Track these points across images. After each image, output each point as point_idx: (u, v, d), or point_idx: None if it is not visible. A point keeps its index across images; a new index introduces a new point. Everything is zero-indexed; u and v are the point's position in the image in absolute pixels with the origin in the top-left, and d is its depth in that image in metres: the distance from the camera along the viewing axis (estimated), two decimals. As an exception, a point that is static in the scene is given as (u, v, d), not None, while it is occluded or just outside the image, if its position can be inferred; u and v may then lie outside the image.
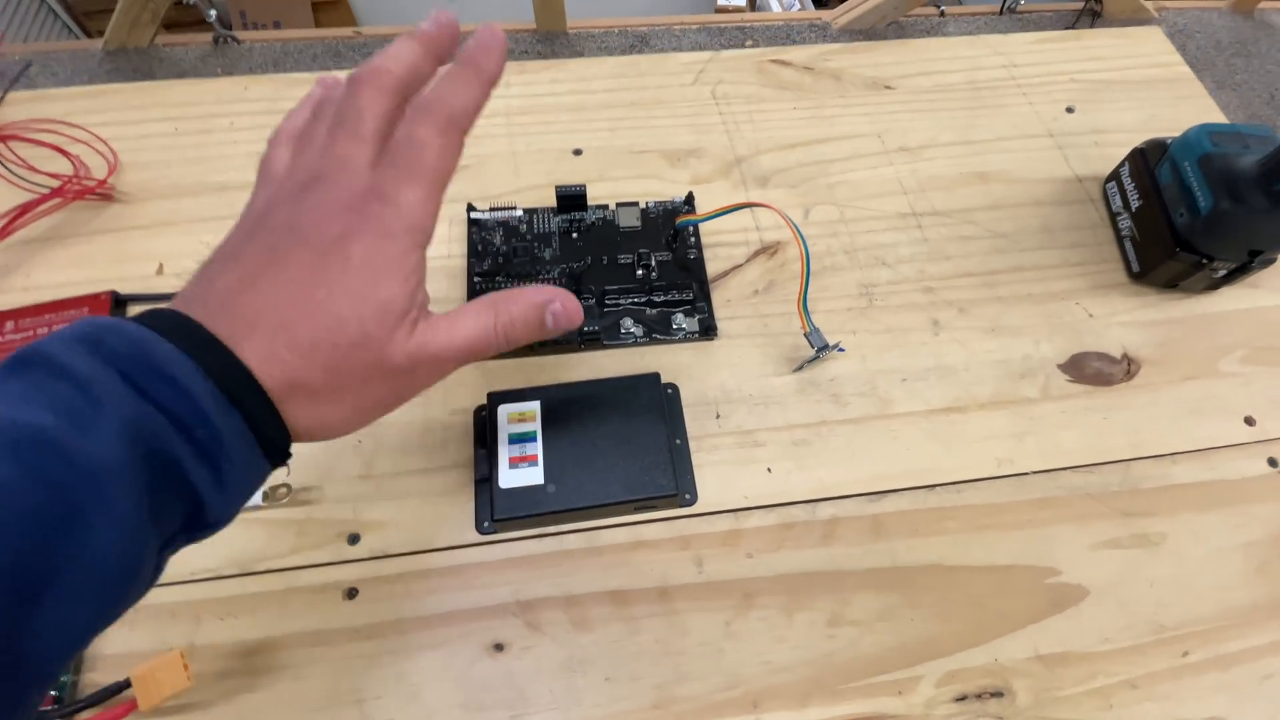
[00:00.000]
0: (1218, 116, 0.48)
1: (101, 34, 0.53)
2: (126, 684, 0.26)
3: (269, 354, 0.19)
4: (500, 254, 0.38)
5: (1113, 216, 0.43)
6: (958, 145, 0.45)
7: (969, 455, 0.35)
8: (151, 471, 0.17)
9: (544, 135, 0.44)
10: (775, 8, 1.33)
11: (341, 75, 0.23)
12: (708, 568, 0.32)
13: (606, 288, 0.37)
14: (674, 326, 0.37)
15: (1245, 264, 0.37)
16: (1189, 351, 0.39)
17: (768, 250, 0.40)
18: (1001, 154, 0.45)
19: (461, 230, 0.39)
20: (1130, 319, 0.39)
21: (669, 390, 0.35)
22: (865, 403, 0.36)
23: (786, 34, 0.54)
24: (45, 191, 0.38)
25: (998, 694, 0.30)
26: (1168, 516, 0.34)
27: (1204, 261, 0.38)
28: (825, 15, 0.57)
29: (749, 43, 0.53)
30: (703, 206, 0.40)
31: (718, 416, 0.35)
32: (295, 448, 0.21)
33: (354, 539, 0.31)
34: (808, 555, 0.32)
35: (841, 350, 0.36)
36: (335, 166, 0.21)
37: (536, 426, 0.32)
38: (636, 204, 0.40)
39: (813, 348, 0.34)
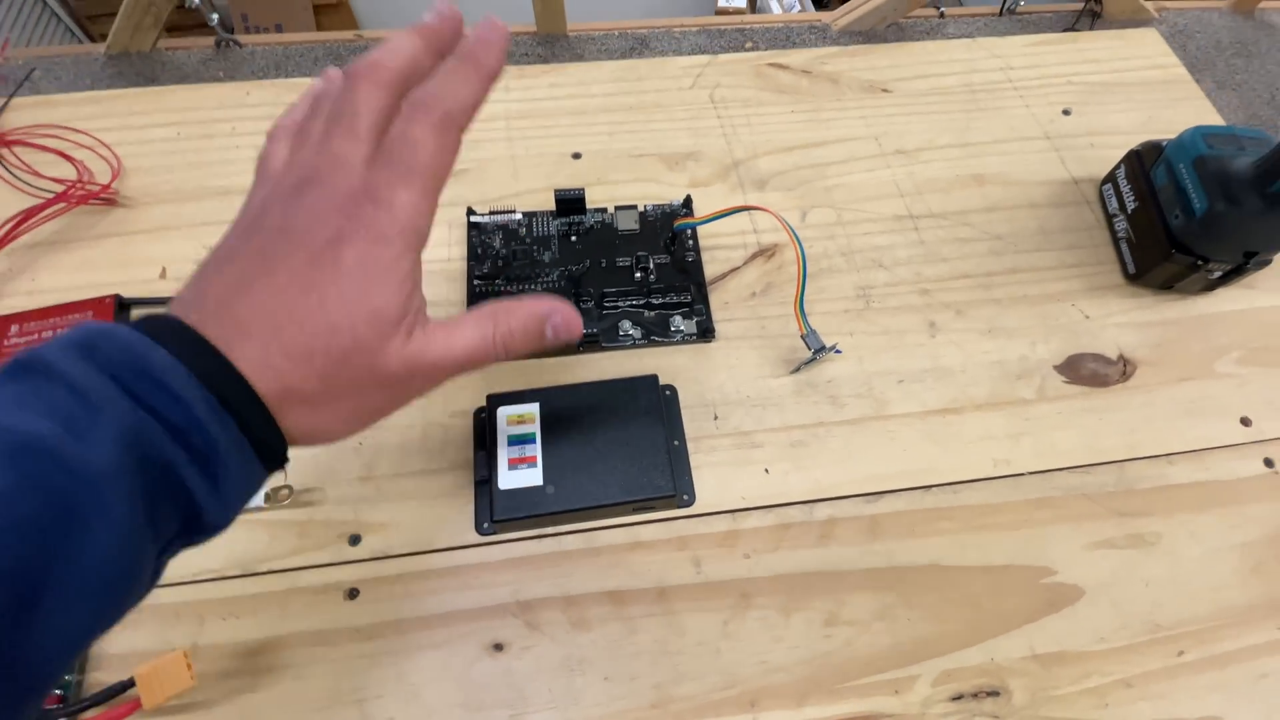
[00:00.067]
0: (1214, 118, 0.48)
1: (104, 38, 0.53)
2: (130, 683, 0.27)
3: (263, 360, 0.19)
4: (500, 257, 0.38)
5: (1109, 218, 0.43)
6: (954, 148, 0.45)
7: (965, 456, 0.35)
8: (148, 477, 0.17)
9: (543, 139, 0.44)
10: (775, 9, 1.33)
11: (337, 69, 0.22)
12: (705, 568, 0.32)
13: (605, 290, 0.38)
14: (672, 329, 0.37)
15: (1241, 265, 0.38)
16: (1185, 352, 0.39)
17: (765, 253, 0.40)
18: (998, 156, 0.45)
19: (461, 234, 0.40)
20: (1126, 320, 0.40)
21: (667, 392, 0.35)
22: (862, 404, 0.36)
23: (786, 36, 0.54)
24: (50, 196, 0.38)
25: (994, 693, 0.30)
26: (1163, 517, 0.34)
27: (1199, 263, 0.38)
28: (825, 17, 0.57)
29: (749, 45, 0.54)
30: (700, 210, 0.40)
31: (715, 418, 0.35)
32: (294, 451, 0.21)
33: (355, 540, 0.31)
34: (805, 555, 0.32)
35: (838, 352, 0.36)
36: (329, 165, 0.20)
37: (536, 428, 0.32)
38: (635, 207, 0.40)
39: (810, 350, 0.35)
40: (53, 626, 0.16)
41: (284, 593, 0.30)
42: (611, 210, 0.40)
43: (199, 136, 0.43)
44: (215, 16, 0.56)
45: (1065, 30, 0.55)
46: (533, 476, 0.31)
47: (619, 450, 0.32)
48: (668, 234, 0.39)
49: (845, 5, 0.56)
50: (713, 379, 0.36)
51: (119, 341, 0.17)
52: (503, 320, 0.22)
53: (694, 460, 0.34)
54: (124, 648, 0.29)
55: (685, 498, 0.33)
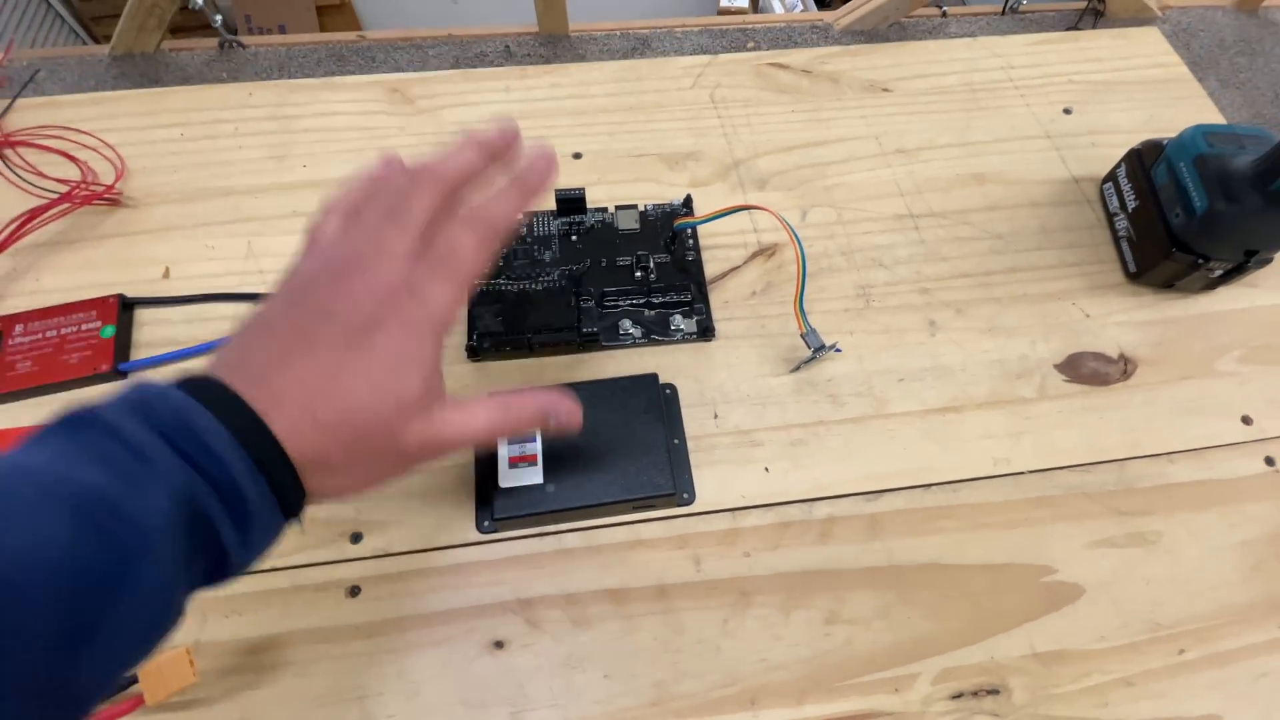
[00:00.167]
0: (1215, 117, 0.48)
1: (108, 39, 0.53)
2: (134, 679, 0.27)
3: (296, 428, 0.20)
4: (500, 256, 0.39)
5: (1109, 217, 0.43)
6: (955, 147, 0.45)
7: (965, 455, 0.35)
8: (190, 529, 0.19)
9: (544, 139, 0.44)
10: (777, 9, 1.33)
11: (400, 158, 0.25)
12: (705, 566, 0.32)
13: (605, 289, 0.38)
14: (672, 328, 0.37)
15: (1241, 264, 0.38)
16: (1186, 351, 0.39)
17: (765, 252, 0.40)
18: (998, 155, 0.45)
19: (462, 233, 0.40)
20: (1127, 319, 0.40)
21: (667, 391, 0.36)
22: (862, 403, 0.36)
23: (788, 36, 0.54)
24: (54, 197, 0.39)
25: (994, 691, 0.30)
26: (1164, 515, 0.34)
27: (1200, 261, 0.38)
28: (827, 16, 0.57)
29: (750, 44, 0.54)
30: (701, 209, 0.40)
31: (715, 417, 0.35)
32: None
33: (356, 538, 0.32)
34: (805, 554, 0.32)
35: (838, 351, 0.36)
36: (376, 254, 0.22)
37: (536, 427, 0.32)
38: (635, 207, 0.40)
39: (810, 348, 0.35)
40: (100, 660, 0.17)
41: (286, 590, 0.30)
42: (612, 210, 0.40)
43: (202, 137, 0.43)
44: (219, 18, 0.56)
45: (1068, 29, 0.55)
46: (533, 475, 0.31)
47: (619, 449, 0.32)
48: (668, 233, 0.39)
49: (847, 5, 0.56)
50: (713, 378, 0.36)
51: (171, 404, 0.19)
52: (514, 410, 0.24)
53: (694, 459, 0.34)
54: (127, 645, 0.29)
55: (685, 496, 0.33)
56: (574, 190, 0.39)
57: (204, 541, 0.19)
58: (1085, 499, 0.34)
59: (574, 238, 0.39)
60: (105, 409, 0.19)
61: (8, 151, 0.41)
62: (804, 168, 0.44)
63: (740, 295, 0.39)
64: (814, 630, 0.31)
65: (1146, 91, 0.49)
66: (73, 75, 0.50)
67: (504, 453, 0.32)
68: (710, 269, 0.39)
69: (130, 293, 0.37)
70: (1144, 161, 0.40)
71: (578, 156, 0.43)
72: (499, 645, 0.30)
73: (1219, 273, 0.39)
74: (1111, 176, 0.43)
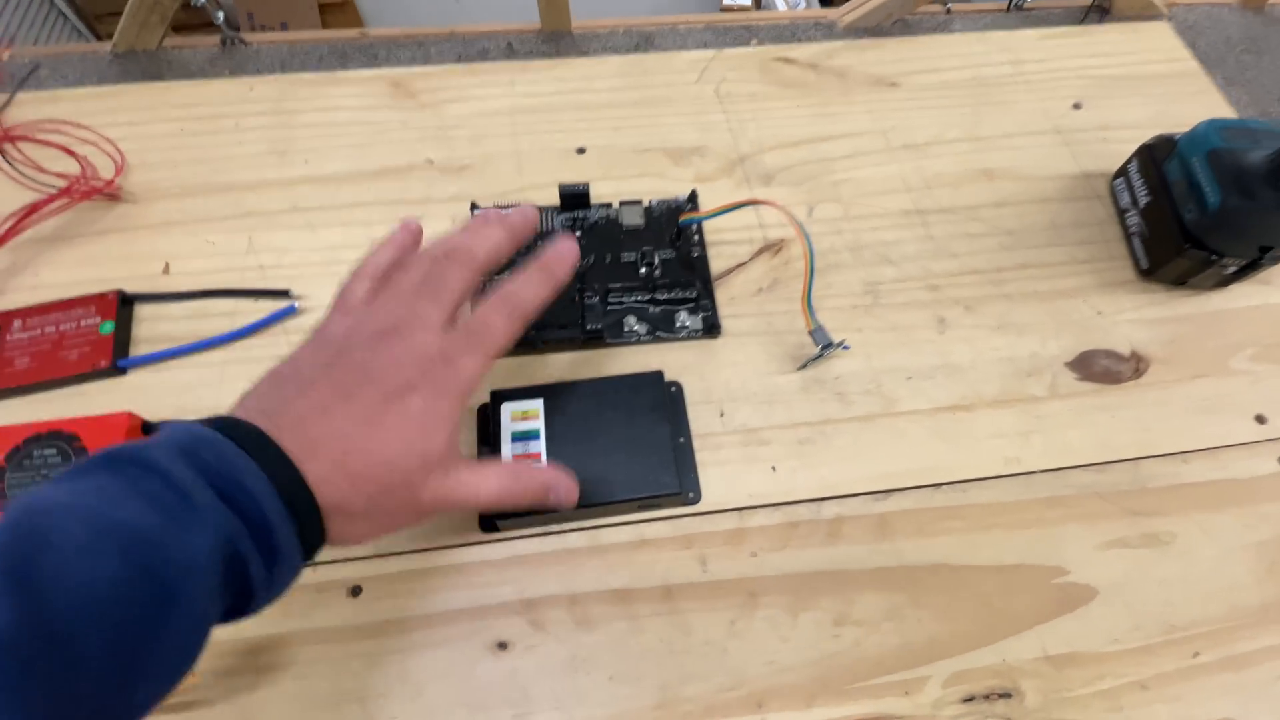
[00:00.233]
0: (1227, 112, 0.48)
1: (111, 37, 0.53)
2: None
3: (327, 477, 0.22)
4: (504, 253, 0.38)
5: (1120, 213, 0.42)
6: (963, 142, 0.45)
7: (975, 454, 0.34)
8: (226, 568, 0.20)
9: (548, 134, 0.44)
10: (781, 6, 1.33)
11: (419, 226, 0.29)
12: (712, 567, 0.31)
13: (610, 286, 0.37)
14: (677, 325, 0.37)
15: (1255, 260, 0.37)
16: (1199, 349, 0.38)
17: (772, 248, 0.40)
18: (1008, 151, 0.44)
19: (465, 229, 0.39)
20: (1139, 316, 0.39)
21: (672, 388, 0.35)
22: (870, 401, 0.35)
23: (792, 33, 0.54)
24: (53, 191, 0.38)
25: (1006, 695, 0.30)
26: (1177, 516, 0.34)
27: (1213, 258, 0.37)
28: (831, 14, 0.57)
29: (754, 41, 0.53)
30: (706, 205, 0.40)
31: (722, 415, 0.35)
32: None
33: (358, 537, 0.31)
34: (813, 554, 0.32)
35: (847, 348, 0.36)
36: (413, 322, 0.24)
37: (540, 425, 0.32)
38: (640, 202, 0.40)
39: (817, 346, 0.34)
40: (142, 691, 0.19)
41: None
42: (616, 205, 0.40)
43: (203, 132, 0.43)
44: (221, 14, 0.56)
45: (1073, 25, 0.54)
46: (537, 473, 0.31)
47: (624, 447, 0.32)
48: (673, 229, 0.39)
49: (851, 1, 0.56)
50: (718, 375, 0.36)
51: (215, 449, 0.20)
52: (522, 481, 0.26)
53: (700, 458, 0.34)
54: (125, 645, 0.29)
55: (691, 495, 0.33)
56: (578, 185, 0.39)
57: (235, 581, 0.20)
58: (1097, 499, 0.34)
59: (578, 233, 0.39)
60: (154, 450, 0.20)
61: (7, 146, 0.41)
62: (810, 163, 0.43)
63: (746, 292, 0.38)
64: (822, 632, 0.30)
65: (1157, 86, 0.49)
66: (75, 72, 0.50)
67: (507, 451, 0.31)
68: (716, 265, 0.39)
69: (130, 288, 0.37)
70: (1156, 157, 0.40)
71: (581, 151, 0.43)
72: (502, 646, 0.29)
73: (1232, 269, 0.38)
74: (1123, 172, 0.42)
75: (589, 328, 0.36)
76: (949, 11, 0.57)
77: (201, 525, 0.19)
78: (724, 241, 0.40)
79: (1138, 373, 0.37)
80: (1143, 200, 0.40)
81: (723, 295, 0.38)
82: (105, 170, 0.40)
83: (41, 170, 0.39)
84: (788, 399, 0.35)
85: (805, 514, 0.33)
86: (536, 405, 0.32)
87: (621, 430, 0.32)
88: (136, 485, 0.19)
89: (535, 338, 0.35)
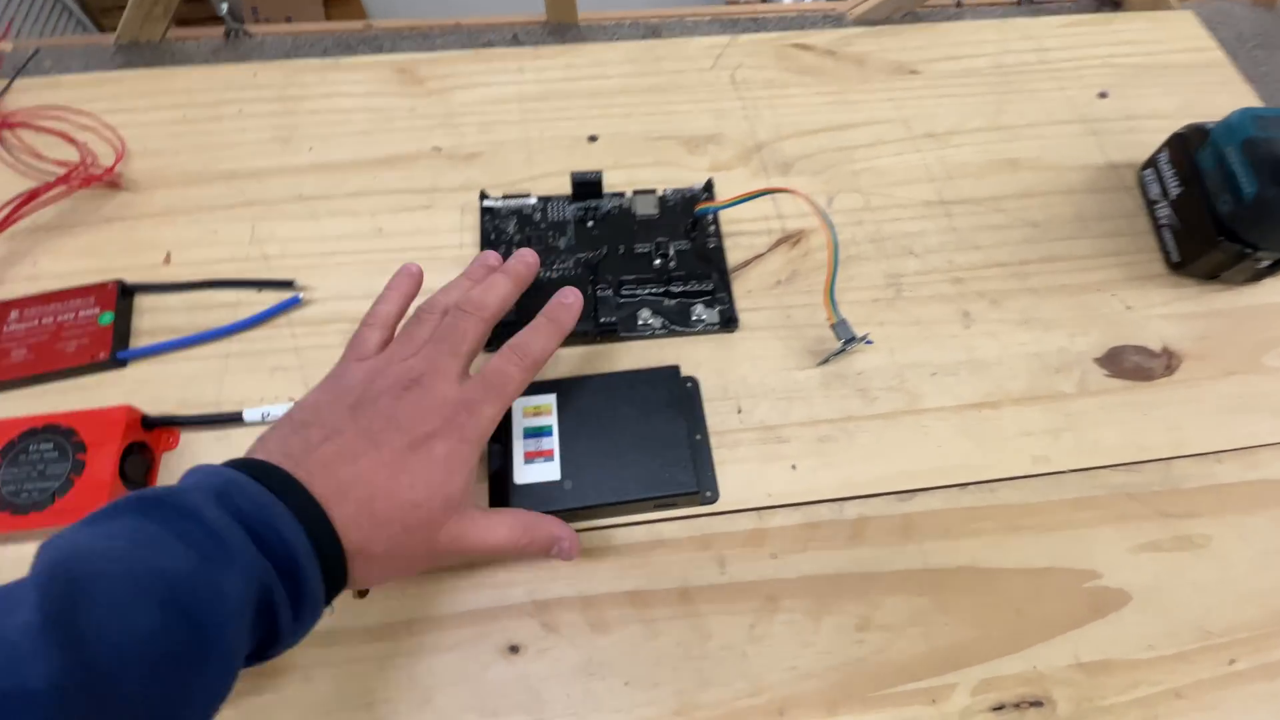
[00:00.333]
0: (1254, 103, 0.46)
1: (115, 30, 0.52)
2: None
3: (352, 521, 0.22)
4: (514, 243, 0.37)
5: (1150, 205, 0.41)
6: (986, 131, 0.43)
7: (1003, 452, 0.33)
8: (256, 611, 0.20)
9: (558, 121, 0.42)
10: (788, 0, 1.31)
11: (420, 270, 0.31)
12: (730, 568, 0.30)
13: (623, 278, 0.36)
14: (693, 318, 0.35)
15: (1293, 254, 0.36)
16: (1232, 345, 0.37)
17: (790, 239, 0.39)
18: (1032, 140, 0.43)
19: (474, 219, 0.38)
20: (1169, 311, 0.38)
21: (689, 384, 0.34)
22: (894, 397, 0.34)
23: (800, 26, 0.52)
24: (52, 179, 0.37)
25: (1037, 703, 0.28)
26: (1212, 518, 0.33)
27: (1248, 251, 0.36)
28: (840, 6, 0.56)
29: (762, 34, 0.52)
30: (722, 194, 0.38)
31: (739, 411, 0.34)
32: None
33: (364, 536, 0.30)
34: (835, 556, 0.31)
35: (870, 342, 0.35)
36: (433, 374, 0.26)
37: (553, 420, 0.31)
38: (654, 192, 0.39)
39: (839, 340, 0.33)
40: None
41: (290, 590, 0.29)
42: (629, 195, 0.39)
43: (205, 119, 0.42)
44: (225, 6, 0.55)
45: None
46: (550, 471, 0.30)
47: (639, 444, 0.31)
48: (688, 219, 0.38)
49: (865, -10, 0.54)
50: (736, 370, 0.35)
51: (249, 495, 0.21)
52: (530, 531, 0.27)
53: (717, 455, 0.32)
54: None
55: (709, 494, 0.31)
56: (590, 174, 0.37)
57: (265, 624, 0.21)
58: (1129, 500, 0.33)
59: (590, 224, 0.38)
60: (187, 494, 0.20)
61: (5, 132, 0.40)
62: (829, 152, 0.42)
63: (764, 284, 0.37)
64: (845, 637, 0.29)
65: (1184, 76, 0.47)
66: (78, 64, 0.49)
67: (519, 447, 0.30)
68: (733, 257, 0.38)
69: (130, 278, 0.36)
70: (1188, 146, 0.39)
71: (593, 139, 0.42)
72: (514, 650, 0.28)
73: (1267, 263, 0.37)
74: (1152, 162, 0.41)
75: (602, 321, 0.34)
76: (959, 5, 0.55)
77: (236, 568, 0.20)
78: (741, 232, 0.39)
79: (1169, 369, 0.36)
80: (1174, 191, 0.39)
81: (740, 288, 0.37)
82: (105, 157, 0.39)
83: (40, 157, 0.38)
84: (808, 395, 0.34)
85: (827, 514, 0.32)
86: (549, 401, 0.31)
87: (636, 427, 0.31)
88: (171, 528, 0.20)
89: (547, 331, 0.34)
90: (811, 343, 0.35)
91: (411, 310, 0.29)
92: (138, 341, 0.35)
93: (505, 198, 0.38)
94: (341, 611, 0.29)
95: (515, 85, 0.44)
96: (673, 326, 0.35)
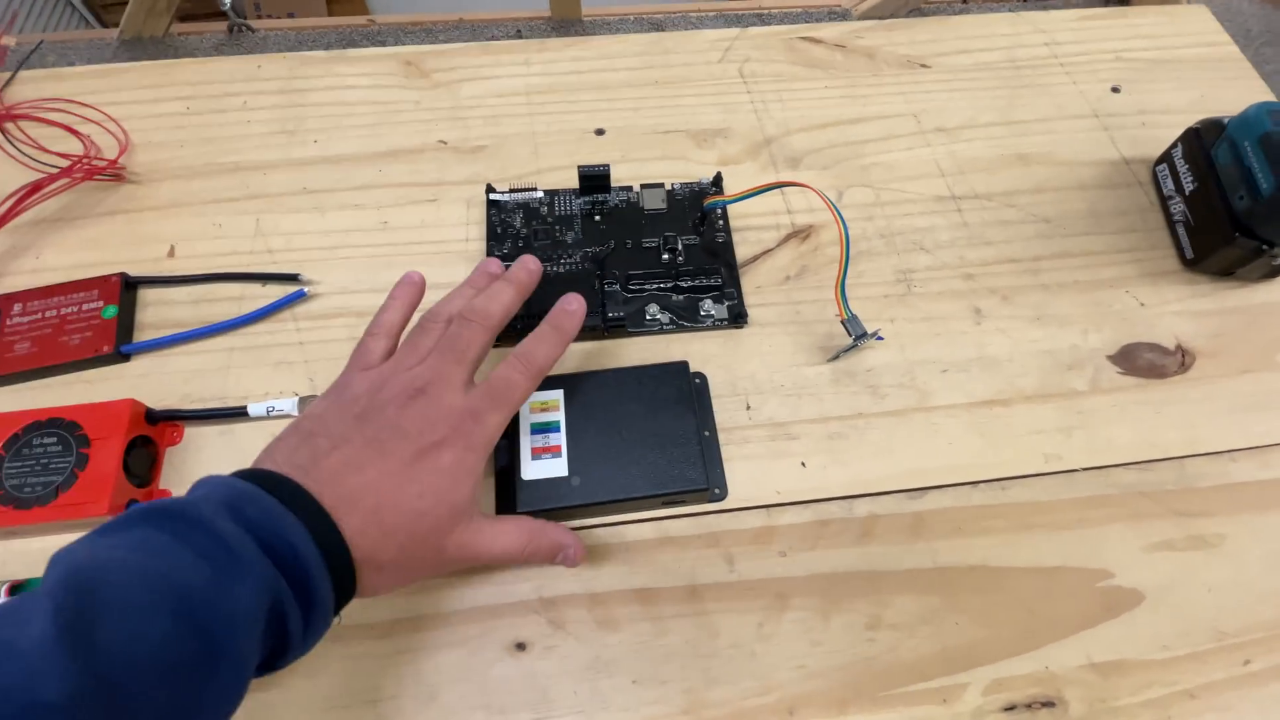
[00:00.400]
0: (1269, 98, 0.46)
1: (118, 26, 0.52)
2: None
3: (362, 530, 0.22)
4: (520, 237, 0.37)
5: (1164, 200, 0.40)
6: (998, 126, 0.43)
7: (1014, 450, 0.33)
8: (268, 621, 0.20)
9: (565, 115, 0.42)
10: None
11: (423, 278, 0.30)
12: (739, 566, 0.30)
13: (631, 273, 0.36)
14: (702, 313, 0.35)
15: (1310, 250, 0.35)
16: (1246, 343, 0.37)
17: (800, 234, 0.38)
18: (1044, 135, 0.43)
19: (480, 213, 0.38)
20: (1183, 308, 0.37)
21: (697, 380, 0.34)
22: (904, 394, 0.34)
23: (805, 21, 0.52)
24: (55, 171, 0.37)
25: (1049, 704, 0.28)
26: (1226, 517, 0.32)
27: (1264, 248, 0.35)
28: (845, 2, 0.55)
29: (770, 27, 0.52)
30: (730, 189, 0.38)
31: (748, 408, 0.33)
32: None
33: (370, 532, 0.30)
34: (845, 554, 0.30)
35: (880, 339, 0.34)
36: (440, 383, 0.26)
37: (560, 416, 0.31)
38: (662, 185, 0.38)
39: (850, 336, 0.32)
40: None
41: (295, 586, 0.29)
42: (637, 189, 0.38)
43: (210, 111, 0.41)
44: (228, 2, 0.55)
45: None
46: (557, 467, 0.29)
47: (647, 441, 0.30)
48: (697, 213, 0.37)
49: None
50: (745, 366, 0.34)
51: (260, 506, 0.21)
52: (537, 538, 0.27)
53: (726, 452, 0.32)
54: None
55: (717, 491, 0.31)
56: (598, 167, 0.37)
57: (275, 633, 0.21)
58: (1143, 499, 0.32)
59: (597, 218, 0.37)
60: (198, 505, 0.20)
61: (8, 125, 0.39)
62: (839, 146, 0.41)
63: (773, 280, 0.37)
64: (855, 635, 0.29)
65: (1198, 70, 0.47)
66: (81, 59, 0.49)
67: (526, 443, 0.30)
68: (741, 252, 0.37)
69: (134, 272, 0.35)
70: (1203, 141, 0.38)
71: (600, 133, 0.41)
72: (520, 647, 0.28)
73: (1283, 260, 0.36)
74: (1166, 157, 0.40)
75: (610, 316, 0.34)
76: (965, 0, 0.55)
77: (247, 579, 0.20)
78: (749, 227, 0.38)
79: (1183, 367, 0.36)
80: (1188, 187, 0.38)
81: (749, 283, 0.36)
82: (109, 150, 0.39)
83: (43, 149, 0.38)
84: (817, 392, 0.34)
85: (836, 512, 0.31)
86: (556, 396, 0.31)
87: (644, 423, 0.31)
88: (182, 540, 0.20)
89: (554, 325, 0.34)
90: (821, 339, 0.35)
91: (415, 319, 0.29)
92: (141, 335, 0.34)
93: (512, 191, 0.38)
94: (348, 607, 0.28)
95: (522, 78, 0.43)
96: (681, 322, 0.35)
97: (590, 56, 0.44)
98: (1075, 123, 0.43)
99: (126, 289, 0.35)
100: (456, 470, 0.25)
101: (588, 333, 0.34)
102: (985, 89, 0.44)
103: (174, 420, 0.32)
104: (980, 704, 0.28)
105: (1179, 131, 0.40)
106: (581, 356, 0.34)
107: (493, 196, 0.38)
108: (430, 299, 0.32)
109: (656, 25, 0.52)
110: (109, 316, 0.33)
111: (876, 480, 0.32)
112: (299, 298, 0.35)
